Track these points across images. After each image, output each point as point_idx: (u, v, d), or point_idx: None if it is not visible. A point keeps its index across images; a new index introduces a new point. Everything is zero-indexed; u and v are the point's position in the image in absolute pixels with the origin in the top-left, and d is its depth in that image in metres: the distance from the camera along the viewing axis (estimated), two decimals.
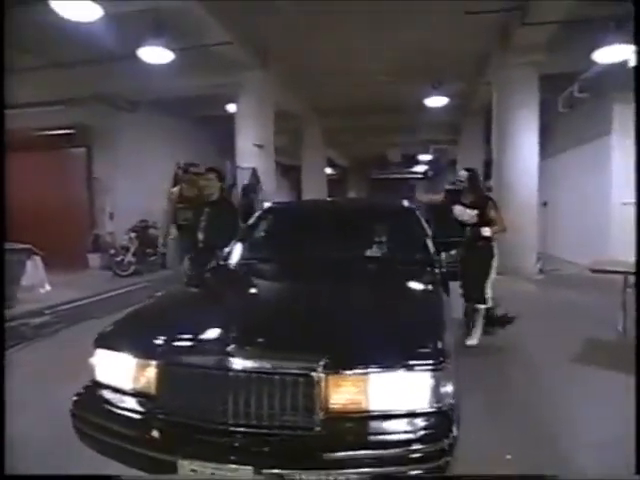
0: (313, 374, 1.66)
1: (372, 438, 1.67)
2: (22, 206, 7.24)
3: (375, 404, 1.70)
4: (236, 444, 1.68)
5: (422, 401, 1.69)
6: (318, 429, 1.66)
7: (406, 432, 1.66)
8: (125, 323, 2.24)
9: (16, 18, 5.63)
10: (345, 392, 1.70)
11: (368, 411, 1.70)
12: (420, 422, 1.68)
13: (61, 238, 9.08)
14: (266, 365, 1.71)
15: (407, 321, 2.06)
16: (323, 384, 1.67)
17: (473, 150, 13.52)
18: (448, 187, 5.63)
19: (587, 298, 6.16)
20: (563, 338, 4.43)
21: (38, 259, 6.73)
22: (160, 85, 8.76)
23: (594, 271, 4.70)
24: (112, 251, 9.04)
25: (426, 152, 19.72)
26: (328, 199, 9.25)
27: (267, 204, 4.49)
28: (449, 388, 1.73)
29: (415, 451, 1.60)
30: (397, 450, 1.61)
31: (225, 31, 7.15)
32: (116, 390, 1.95)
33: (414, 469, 1.60)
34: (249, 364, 1.72)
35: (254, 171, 8.85)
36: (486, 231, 4.21)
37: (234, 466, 1.62)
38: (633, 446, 1.92)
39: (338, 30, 7.56)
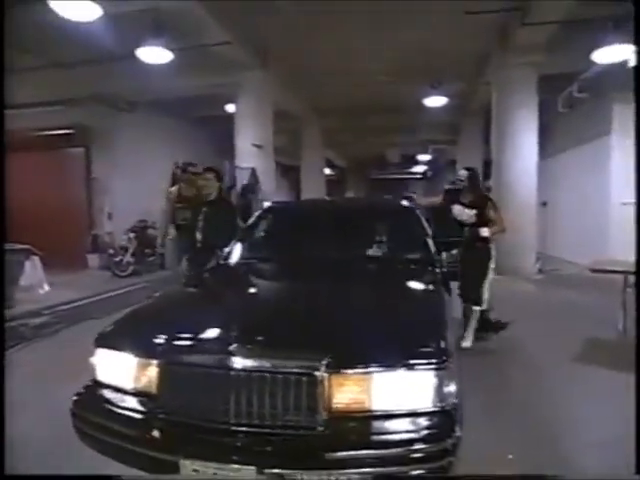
0: (316, 373, 1.65)
1: (375, 438, 1.66)
2: (20, 206, 7.20)
3: (378, 403, 1.69)
4: (238, 444, 1.67)
5: (425, 401, 1.69)
6: (321, 429, 1.65)
7: (409, 432, 1.65)
8: (126, 322, 2.22)
9: (16, 18, 5.62)
10: (348, 391, 1.69)
11: (371, 410, 1.69)
12: (423, 422, 1.67)
13: (60, 238, 9.06)
14: (268, 364, 1.70)
15: (410, 320, 2.05)
16: (326, 383, 1.66)
17: (472, 150, 13.53)
18: (447, 187, 5.61)
19: (587, 298, 6.16)
20: (563, 338, 4.43)
21: (37, 259, 6.71)
22: (159, 85, 8.75)
23: (594, 271, 4.69)
24: (111, 251, 9.03)
25: (425, 152, 19.73)
26: (329, 198, 9.25)
27: (267, 204, 4.48)
28: (452, 388, 1.72)
29: (418, 451, 1.60)
30: (400, 450, 1.60)
31: (225, 31, 7.14)
32: (117, 389, 1.94)
33: (417, 469, 1.60)
34: (251, 363, 1.71)
35: (253, 171, 8.85)
36: (485, 231, 4.18)
37: (236, 466, 1.61)
38: (633, 446, 1.92)
39: (338, 30, 7.56)
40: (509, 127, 8.50)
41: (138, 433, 1.78)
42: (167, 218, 5.31)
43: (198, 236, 4.24)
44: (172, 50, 6.50)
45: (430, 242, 3.25)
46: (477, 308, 4.25)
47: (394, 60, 8.96)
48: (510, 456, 2.43)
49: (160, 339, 1.91)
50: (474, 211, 4.23)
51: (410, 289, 2.76)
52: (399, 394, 1.69)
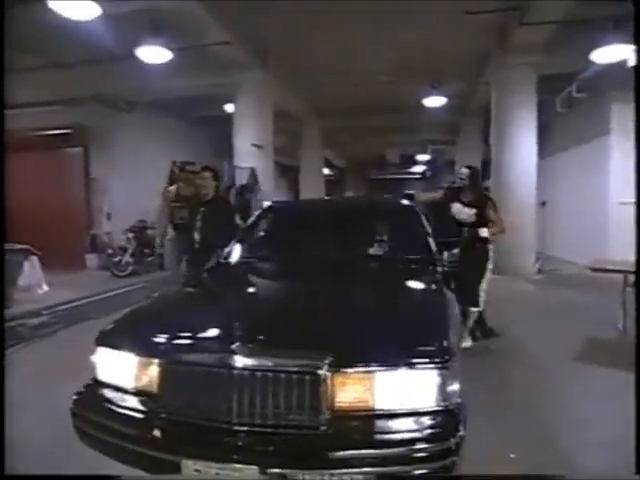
0: (319, 372, 1.64)
1: (378, 437, 1.65)
2: (19, 206, 7.15)
3: (381, 403, 1.68)
4: (240, 443, 1.66)
5: (428, 400, 1.68)
6: (324, 428, 1.64)
7: (412, 431, 1.64)
8: (127, 321, 2.21)
9: (16, 18, 5.60)
10: (351, 390, 1.68)
11: (374, 410, 1.68)
12: (426, 421, 1.66)
13: (58, 238, 9.04)
14: (271, 363, 1.69)
15: (412, 319, 2.04)
16: (329, 382, 1.65)
17: (471, 150, 13.53)
18: (448, 185, 5.57)
19: (586, 298, 6.16)
20: (563, 337, 4.43)
21: (35, 259, 6.70)
22: (158, 85, 8.74)
23: (594, 270, 4.69)
24: (110, 251, 9.01)
25: (424, 152, 19.74)
26: (329, 197, 9.24)
27: (267, 203, 4.47)
28: (455, 387, 1.72)
29: (421, 450, 1.59)
30: (403, 449, 1.59)
31: (224, 31, 7.14)
32: (117, 389, 1.92)
33: (420, 468, 1.59)
34: (253, 362, 1.70)
35: (252, 171, 8.83)
36: (484, 232, 4.10)
37: (239, 466, 1.60)
38: (633, 446, 1.91)
39: (338, 30, 7.56)
40: (508, 127, 8.51)
41: (139, 433, 1.77)
42: (165, 218, 5.26)
43: (196, 236, 4.21)
44: (172, 50, 6.50)
45: (431, 241, 3.23)
46: (474, 309, 4.23)
47: (394, 60, 8.96)
48: (512, 455, 2.43)
49: (161, 338, 1.89)
50: (474, 210, 4.16)
51: (412, 288, 2.75)
52: (402, 393, 1.68)
